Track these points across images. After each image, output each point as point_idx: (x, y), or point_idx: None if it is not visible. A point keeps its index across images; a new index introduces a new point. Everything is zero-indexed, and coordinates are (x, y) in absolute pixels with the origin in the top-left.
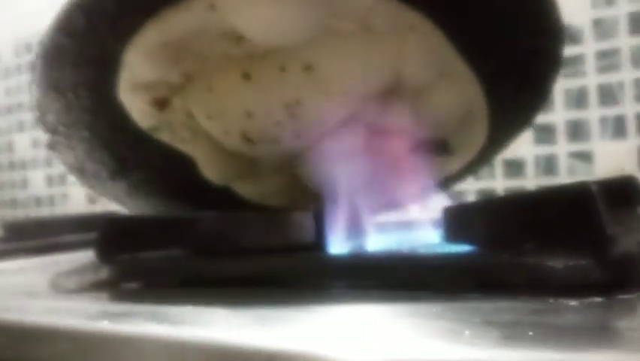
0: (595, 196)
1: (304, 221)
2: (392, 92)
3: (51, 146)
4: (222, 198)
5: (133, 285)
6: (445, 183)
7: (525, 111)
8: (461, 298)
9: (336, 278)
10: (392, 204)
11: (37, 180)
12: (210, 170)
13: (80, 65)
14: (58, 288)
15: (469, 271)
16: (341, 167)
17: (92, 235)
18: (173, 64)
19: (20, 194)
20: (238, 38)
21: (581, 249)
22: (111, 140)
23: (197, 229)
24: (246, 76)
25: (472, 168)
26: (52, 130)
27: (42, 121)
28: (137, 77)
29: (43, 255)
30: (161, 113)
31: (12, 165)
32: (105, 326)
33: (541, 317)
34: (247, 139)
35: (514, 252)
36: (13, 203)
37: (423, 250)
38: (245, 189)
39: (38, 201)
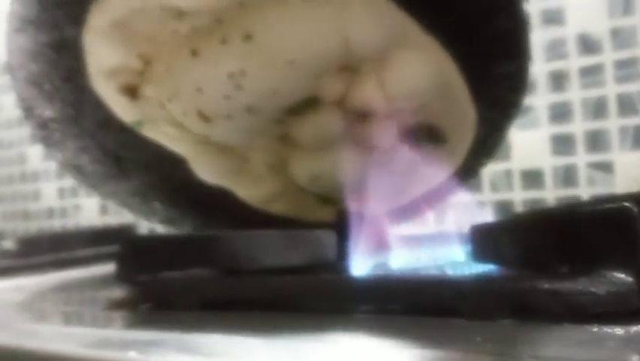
0: (637, 219)
1: (326, 238)
2: (354, 70)
3: (43, 141)
4: (225, 202)
5: (152, 306)
6: (461, 177)
7: (509, 83)
8: (495, 326)
9: (360, 302)
10: (411, 208)
11: (49, 192)
12: (200, 168)
13: (45, 52)
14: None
15: (503, 296)
16: (351, 172)
17: (106, 249)
18: (129, 47)
19: (32, 206)
20: (180, 14)
21: (620, 273)
22: (103, 137)
23: (218, 248)
24: (194, 52)
25: (479, 155)
26: (41, 125)
27: (30, 116)
28: (100, 63)
29: (58, 270)
30: (136, 103)
31: (24, 177)
32: (134, 357)
33: (590, 349)
34: (204, 117)
35: (550, 276)
36: (26, 215)
37: (450, 270)
38: (243, 192)
39: (50, 213)
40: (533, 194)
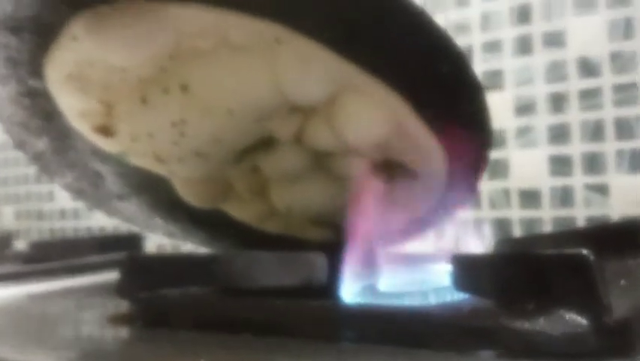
0: (592, 266)
1: (317, 261)
2: (309, 111)
3: (41, 170)
4: (224, 218)
5: (149, 322)
6: (450, 206)
7: (473, 122)
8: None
9: (345, 330)
10: (400, 232)
11: (62, 193)
12: (186, 193)
13: (20, 100)
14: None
15: (470, 332)
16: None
17: (116, 256)
18: (88, 94)
19: (46, 206)
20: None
21: (579, 315)
22: (95, 165)
23: (216, 267)
24: (143, 100)
25: (461, 187)
26: (36, 157)
27: (23, 150)
28: (68, 108)
29: (67, 276)
30: (114, 139)
31: (39, 178)
32: None
33: None
34: (159, 159)
35: (516, 313)
36: (40, 215)
37: (433, 297)
38: (234, 212)
39: (63, 214)
40: (530, 213)
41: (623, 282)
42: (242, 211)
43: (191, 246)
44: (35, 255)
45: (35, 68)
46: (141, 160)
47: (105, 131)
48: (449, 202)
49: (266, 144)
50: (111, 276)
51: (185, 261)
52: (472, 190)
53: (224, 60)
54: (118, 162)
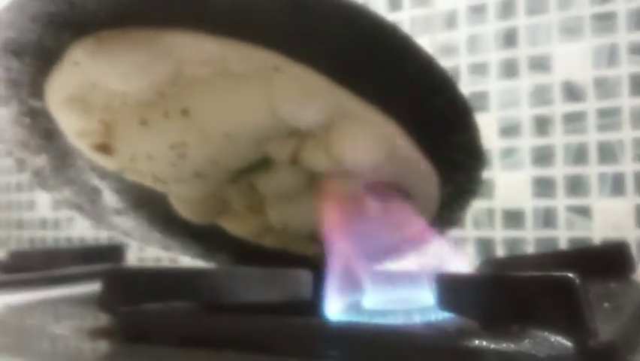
0: (578, 290)
1: (302, 277)
2: (306, 135)
3: (40, 185)
4: (221, 232)
5: (130, 338)
6: (439, 227)
7: (465, 151)
8: None
9: (330, 348)
10: (390, 251)
11: (43, 203)
12: (183, 210)
13: (21, 120)
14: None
15: (455, 352)
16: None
17: (97, 267)
18: (87, 114)
19: (26, 215)
20: None
21: (565, 337)
22: (93, 181)
23: (199, 283)
24: (143, 122)
25: (453, 209)
26: (35, 173)
27: (23, 167)
28: (67, 127)
29: (47, 287)
30: (113, 157)
31: (19, 187)
32: None
33: None
34: (158, 180)
35: (500, 334)
36: (20, 224)
37: (417, 316)
38: (231, 228)
39: (44, 224)
40: (514, 233)
41: (606, 305)
42: (238, 227)
43: (169, 256)
44: (14, 264)
45: (36, 89)
46: (140, 178)
47: (105, 149)
48: (441, 222)
49: (263, 164)
50: (92, 287)
51: (168, 275)
52: (462, 211)
53: (223, 87)
54: (116, 179)
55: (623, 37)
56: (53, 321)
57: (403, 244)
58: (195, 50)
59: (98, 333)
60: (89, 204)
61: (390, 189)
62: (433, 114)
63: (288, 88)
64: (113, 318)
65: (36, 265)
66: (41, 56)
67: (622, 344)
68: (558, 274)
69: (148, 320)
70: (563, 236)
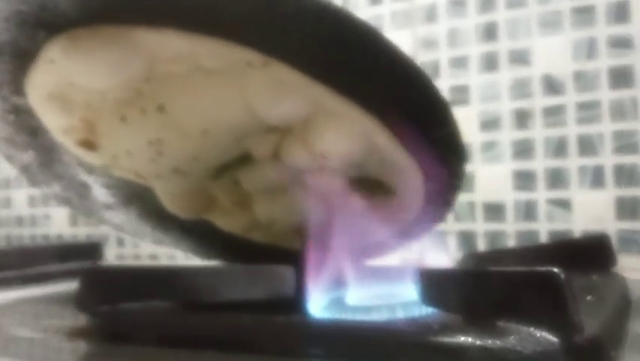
0: (563, 285)
1: (285, 273)
2: (285, 130)
3: (29, 181)
4: (212, 227)
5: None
6: (425, 222)
7: (445, 145)
8: None
9: (312, 346)
10: (374, 247)
11: (20, 200)
12: (170, 205)
13: (5, 117)
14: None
15: (437, 349)
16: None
17: (74, 265)
18: (70, 112)
19: (2, 213)
20: None
21: (550, 333)
22: (81, 176)
23: (179, 281)
24: (122, 118)
25: (438, 203)
26: (24, 169)
27: (12, 162)
28: (51, 124)
29: (24, 286)
30: (97, 153)
31: None
32: None
33: None
34: (139, 176)
35: (485, 330)
36: None
37: (401, 311)
38: (220, 223)
39: (20, 221)
40: (494, 226)
41: (589, 298)
42: (227, 222)
43: (149, 253)
44: None
45: (17, 87)
46: (124, 174)
47: (89, 145)
48: (426, 217)
49: (244, 160)
50: (70, 286)
51: (147, 274)
52: (448, 205)
53: (197, 83)
54: (104, 174)
55: (602, 30)
56: (30, 321)
57: (387, 240)
58: (165, 46)
59: (75, 333)
60: (78, 198)
61: (374, 184)
62: (410, 109)
63: (261, 84)
64: (91, 318)
65: (12, 264)
66: (18, 54)
67: (607, 338)
68: (543, 269)
69: (127, 319)
70: (543, 229)
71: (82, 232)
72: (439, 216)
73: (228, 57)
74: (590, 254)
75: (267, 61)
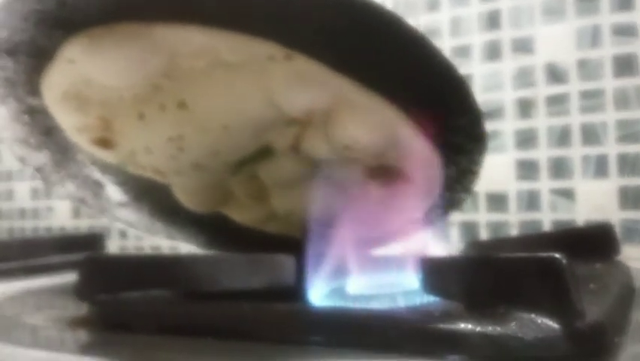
0: (565, 270)
1: (286, 262)
2: (305, 123)
3: (43, 181)
4: (224, 220)
5: (109, 326)
6: (440, 210)
7: (465, 133)
8: None
9: (313, 334)
10: (382, 238)
11: (22, 192)
12: (186, 200)
13: (21, 117)
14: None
15: (440, 336)
16: (321, 200)
17: (76, 256)
18: (86, 111)
19: (5, 205)
20: None
21: (552, 319)
22: (95, 174)
23: (179, 270)
24: (141, 116)
25: (455, 191)
26: (38, 169)
27: (25, 164)
28: (66, 123)
29: (26, 277)
30: (113, 150)
31: None
32: None
33: None
34: (159, 172)
35: (484, 318)
36: None
37: (402, 300)
38: (235, 216)
39: (22, 214)
40: (497, 217)
41: (592, 286)
42: (242, 215)
43: (151, 245)
44: None
45: (33, 87)
46: (141, 171)
47: (105, 143)
48: (443, 205)
49: (263, 153)
50: (72, 277)
51: (147, 262)
52: (467, 192)
53: (218, 78)
54: (117, 172)
55: (606, 18)
56: (32, 311)
57: (399, 229)
58: (185, 42)
59: (76, 323)
60: (92, 197)
61: (392, 173)
62: (432, 98)
63: (283, 77)
64: (91, 307)
65: (14, 255)
66: (35, 54)
67: (609, 325)
68: (545, 254)
69: (127, 308)
70: (546, 219)
71: (84, 224)
72: (456, 204)
73: (250, 51)
74: (593, 243)
75: (289, 54)
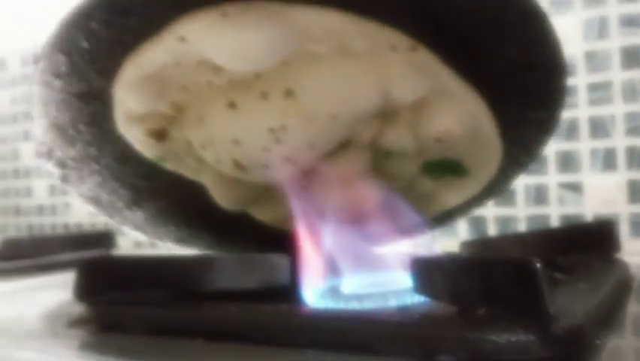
0: (537, 274)
1: (280, 262)
2: (390, 114)
3: (63, 179)
4: (239, 222)
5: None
6: (465, 209)
7: (540, 127)
8: None
9: (306, 335)
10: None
11: (40, 189)
12: (221, 197)
13: (72, 102)
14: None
15: (419, 340)
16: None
17: (87, 254)
18: (161, 96)
19: (23, 202)
20: (217, 68)
21: (524, 322)
22: (121, 171)
23: (175, 271)
24: (232, 105)
25: (492, 189)
26: (61, 165)
27: (50, 156)
28: (128, 110)
29: (40, 274)
30: (162, 143)
31: (16, 173)
32: None
33: None
34: (238, 165)
35: (466, 319)
36: (17, 211)
37: (393, 299)
38: (260, 215)
39: (41, 210)
40: (505, 211)
41: (582, 285)
42: (269, 213)
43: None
44: (7, 252)
45: (111, 66)
46: (181, 164)
47: (159, 135)
48: (489, 191)
49: (339, 148)
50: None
51: (143, 264)
52: (509, 183)
53: (335, 65)
54: (145, 168)
55: (614, 9)
56: (31, 311)
57: (398, 231)
58: (318, 25)
59: (74, 322)
60: (107, 197)
61: (449, 165)
62: (522, 93)
63: (402, 68)
64: (88, 307)
65: (27, 253)
66: (140, 25)
67: (587, 327)
68: (519, 258)
69: (123, 309)
70: (554, 213)
71: (101, 220)
72: (498, 192)
73: (376, 39)
74: (595, 240)
75: (414, 45)
